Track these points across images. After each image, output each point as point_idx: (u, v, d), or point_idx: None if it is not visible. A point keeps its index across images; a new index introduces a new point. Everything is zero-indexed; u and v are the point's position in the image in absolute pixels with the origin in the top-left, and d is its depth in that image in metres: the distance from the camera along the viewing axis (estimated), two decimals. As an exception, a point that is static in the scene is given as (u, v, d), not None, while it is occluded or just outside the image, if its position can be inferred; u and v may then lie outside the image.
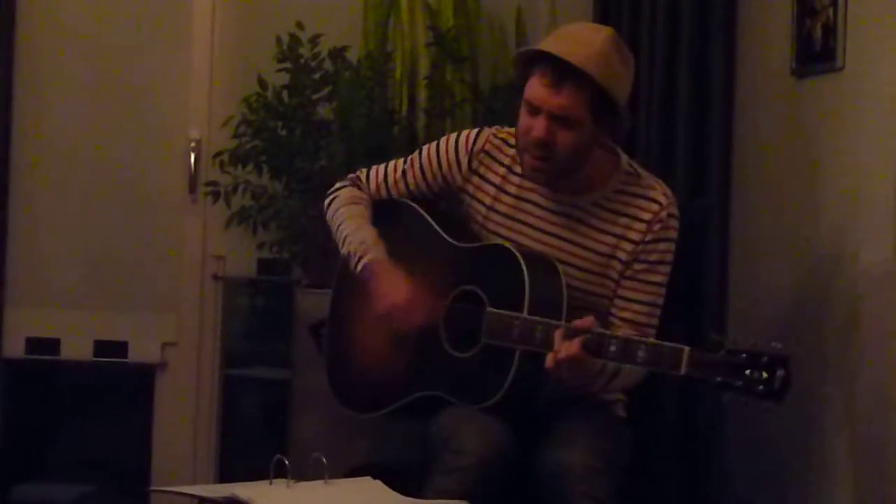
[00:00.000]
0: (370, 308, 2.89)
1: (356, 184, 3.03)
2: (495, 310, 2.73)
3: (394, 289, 2.83)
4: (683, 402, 3.44)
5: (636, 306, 2.81)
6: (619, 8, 3.72)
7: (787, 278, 3.24)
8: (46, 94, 4.04)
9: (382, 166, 3.03)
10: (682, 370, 2.47)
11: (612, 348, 2.56)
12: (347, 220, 2.94)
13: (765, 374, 2.38)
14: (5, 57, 3.92)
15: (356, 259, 2.88)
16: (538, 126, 2.71)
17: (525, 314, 2.68)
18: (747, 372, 2.39)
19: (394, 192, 3.00)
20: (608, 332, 2.61)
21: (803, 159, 3.19)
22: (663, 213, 2.82)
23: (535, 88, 2.71)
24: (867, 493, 2.86)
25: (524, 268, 2.72)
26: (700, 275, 3.40)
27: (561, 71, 2.67)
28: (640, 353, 2.53)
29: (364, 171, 3.05)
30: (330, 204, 3.01)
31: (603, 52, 2.69)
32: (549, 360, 2.59)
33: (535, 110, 2.72)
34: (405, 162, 3.00)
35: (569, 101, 2.68)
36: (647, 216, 2.81)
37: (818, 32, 3.08)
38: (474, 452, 2.62)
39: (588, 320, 2.62)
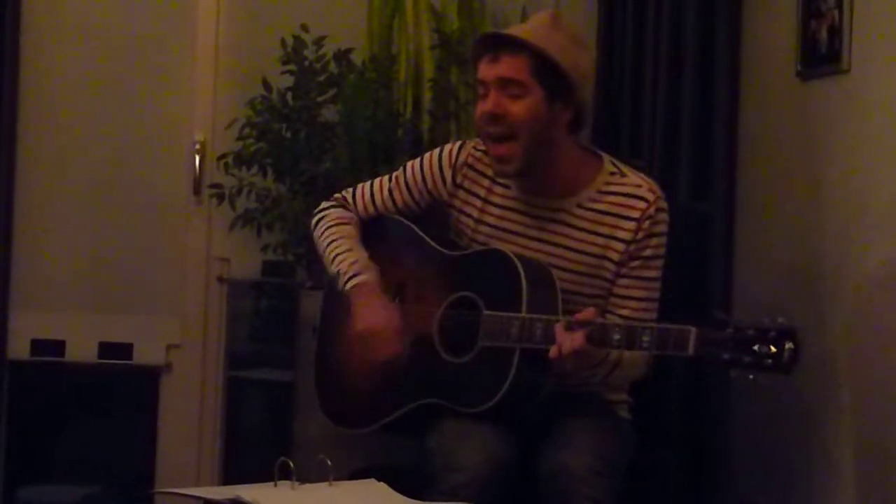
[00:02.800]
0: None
1: (343, 205, 3.04)
2: (492, 312, 2.73)
3: (373, 314, 2.83)
4: (688, 404, 3.43)
5: (633, 303, 2.81)
6: (624, 10, 3.72)
7: (792, 280, 3.24)
8: (51, 97, 4.04)
9: (368, 185, 3.05)
10: (690, 350, 2.49)
11: (616, 336, 2.58)
12: (337, 240, 2.95)
13: (773, 349, 2.40)
14: (10, 59, 3.92)
15: (346, 278, 2.88)
16: (488, 102, 2.76)
17: (523, 314, 2.68)
18: (755, 347, 2.41)
19: (381, 210, 3.01)
20: (610, 322, 2.64)
21: (808, 161, 3.19)
22: (651, 209, 2.82)
23: (479, 68, 2.79)
24: (871, 492, 2.86)
25: (520, 269, 2.73)
26: (704, 277, 3.40)
27: (497, 44, 2.76)
28: (646, 338, 2.54)
29: (350, 191, 3.06)
30: (318, 223, 3.02)
31: (541, 24, 2.79)
32: (553, 351, 2.59)
33: (484, 88, 2.78)
34: (391, 180, 3.01)
35: (508, 66, 2.75)
36: (635, 214, 2.82)
37: (824, 34, 3.08)
38: (472, 469, 2.62)
39: (589, 311, 2.64)
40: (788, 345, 2.39)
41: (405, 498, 2.47)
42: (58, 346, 4.07)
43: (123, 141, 4.05)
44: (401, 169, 3.02)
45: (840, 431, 2.97)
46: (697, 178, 3.49)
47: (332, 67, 3.71)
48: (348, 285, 2.87)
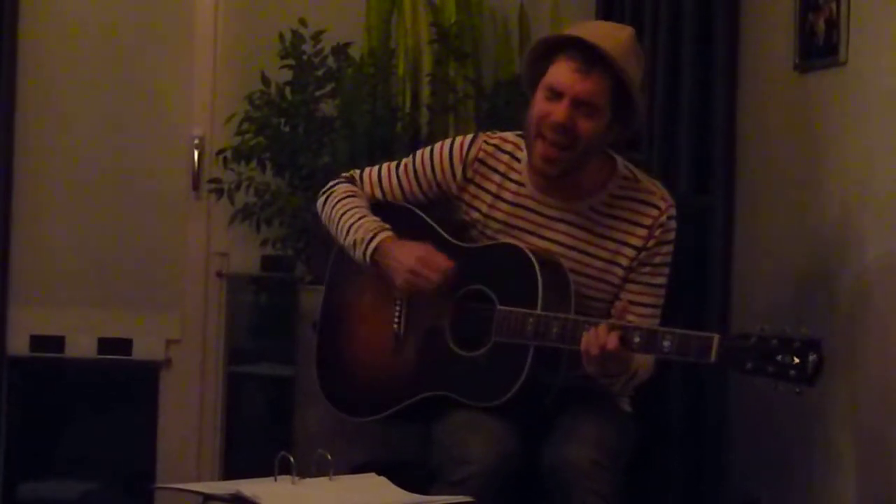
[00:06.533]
0: (383, 293, 2.87)
1: (350, 181, 3.01)
2: (507, 307, 2.72)
3: (410, 252, 2.80)
4: (688, 397, 3.44)
5: (640, 309, 2.80)
6: (622, 2, 3.72)
7: (791, 272, 3.24)
8: (49, 92, 4.04)
9: (376, 169, 3.01)
10: (713, 357, 2.46)
11: (637, 339, 2.54)
12: (349, 211, 2.91)
13: (797, 359, 2.38)
14: (8, 55, 3.92)
15: (364, 245, 2.84)
16: (559, 110, 2.69)
17: (539, 311, 2.67)
18: (779, 357, 2.39)
19: (388, 196, 2.97)
20: (631, 324, 2.58)
21: (807, 154, 3.19)
22: (663, 217, 2.82)
23: (562, 73, 2.70)
24: (872, 486, 2.86)
25: (536, 266, 2.71)
26: (704, 268, 3.40)
27: (590, 58, 2.68)
28: (666, 343, 2.51)
29: (356, 171, 3.03)
30: (326, 200, 2.97)
31: (626, 46, 2.72)
32: (595, 349, 2.54)
33: (557, 95, 2.70)
34: (399, 166, 2.97)
35: (595, 88, 2.69)
36: (647, 221, 2.81)
37: (821, 27, 3.08)
38: (479, 462, 2.61)
39: (620, 312, 2.61)
40: (813, 356, 2.37)
41: (405, 492, 2.47)
42: (57, 342, 4.07)
43: (122, 136, 4.05)
44: (410, 157, 2.97)
45: (840, 423, 2.98)
46: (697, 171, 3.49)
47: (331, 62, 3.71)
48: (371, 246, 2.83)
